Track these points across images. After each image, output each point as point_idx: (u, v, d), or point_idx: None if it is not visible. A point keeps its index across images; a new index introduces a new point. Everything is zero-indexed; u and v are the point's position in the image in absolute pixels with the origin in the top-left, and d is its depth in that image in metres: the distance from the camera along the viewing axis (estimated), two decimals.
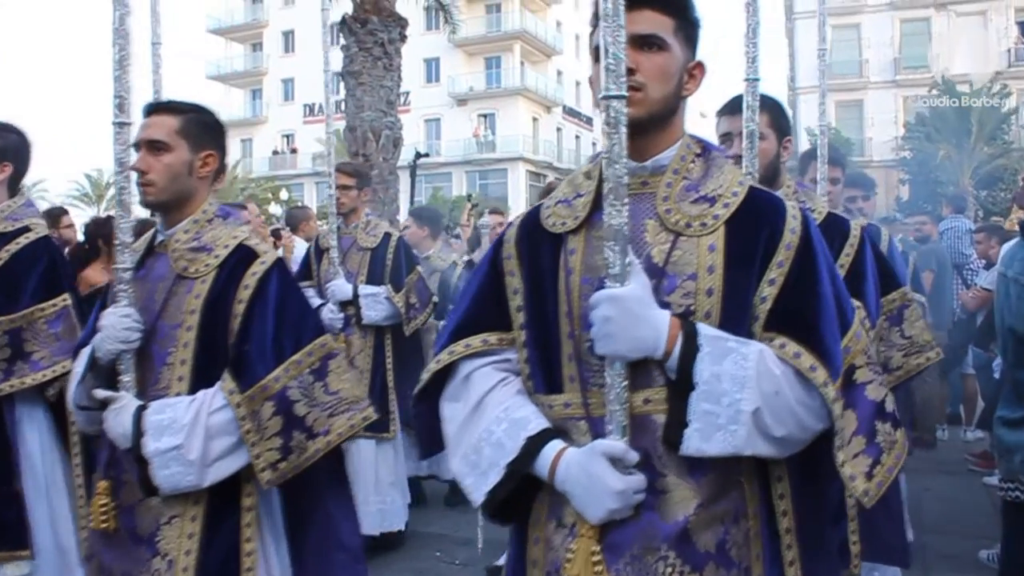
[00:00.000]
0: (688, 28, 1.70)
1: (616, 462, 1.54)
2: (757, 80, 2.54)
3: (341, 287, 4.94)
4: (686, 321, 1.57)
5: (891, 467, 1.64)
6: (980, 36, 35.82)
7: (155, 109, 2.48)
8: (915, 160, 30.90)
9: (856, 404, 1.63)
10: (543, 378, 1.71)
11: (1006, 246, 3.57)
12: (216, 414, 2.24)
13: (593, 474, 1.54)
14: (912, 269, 4.93)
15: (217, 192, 3.72)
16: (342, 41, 13.61)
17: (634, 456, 1.54)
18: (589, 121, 49.22)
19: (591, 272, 1.64)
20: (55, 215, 6.85)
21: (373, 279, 5.05)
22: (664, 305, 1.59)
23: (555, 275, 1.70)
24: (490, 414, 1.70)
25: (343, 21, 13.57)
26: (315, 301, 4.95)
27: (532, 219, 1.81)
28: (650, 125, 1.66)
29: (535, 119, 46.69)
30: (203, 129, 2.48)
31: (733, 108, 2.73)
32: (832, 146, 4.10)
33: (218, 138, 2.53)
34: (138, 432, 2.22)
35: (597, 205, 1.66)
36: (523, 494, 1.68)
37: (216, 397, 2.25)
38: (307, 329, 2.39)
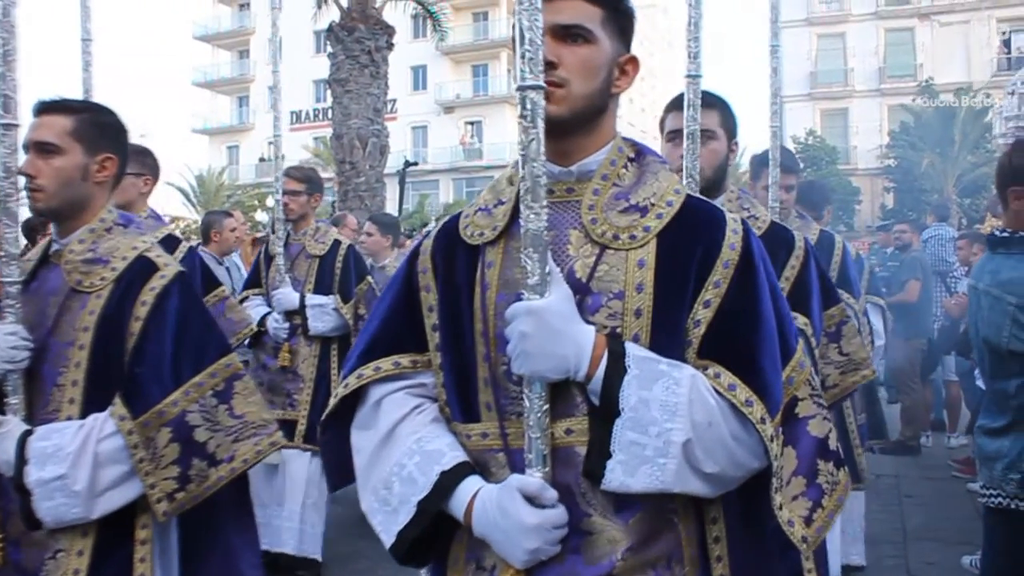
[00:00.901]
0: (619, 19, 1.54)
1: (533, 499, 1.37)
2: (698, 77, 2.41)
3: (287, 296, 4.74)
4: (613, 339, 1.42)
5: (832, 511, 1.51)
6: (963, 46, 36.16)
7: (45, 108, 2.25)
8: (900, 168, 31.14)
9: (797, 440, 1.52)
10: (459, 405, 1.54)
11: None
12: (105, 441, 2.05)
13: (507, 511, 1.38)
14: (868, 277, 4.85)
15: (145, 196, 3.74)
16: (329, 49, 13.62)
17: (551, 494, 1.38)
18: None
19: (508, 288, 1.49)
20: None
21: (321, 288, 4.83)
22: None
23: (471, 291, 1.54)
24: (402, 446, 1.54)
25: (330, 29, 13.59)
26: (262, 309, 4.84)
27: (450, 229, 1.64)
28: (574, 125, 1.50)
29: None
30: (100, 130, 2.27)
31: (681, 103, 2.52)
32: (786, 151, 4.01)
33: (117, 140, 2.32)
34: (21, 460, 2.04)
35: (518, 214, 1.48)
36: (439, 533, 1.53)
37: (107, 423, 2.07)
38: (210, 348, 2.22)
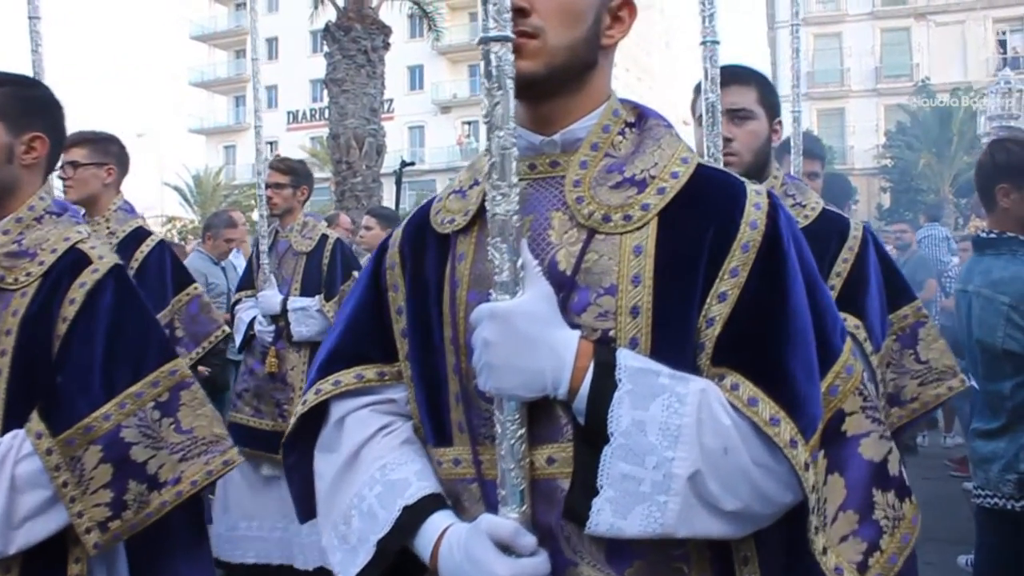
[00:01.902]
0: None
1: (506, 547, 1.13)
2: (716, 43, 2.17)
3: (269, 300, 4.45)
4: (602, 347, 1.16)
5: (894, 554, 1.22)
6: (960, 46, 36.20)
7: None
8: (896, 168, 31.18)
9: (846, 466, 1.22)
10: (431, 425, 1.32)
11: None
12: (23, 463, 1.75)
13: (476, 559, 1.13)
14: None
15: (111, 188, 3.54)
16: (325, 48, 13.62)
17: (528, 541, 1.13)
18: None
19: (481, 285, 1.24)
20: None
21: (309, 286, 4.52)
22: (573, 328, 1.18)
23: (440, 289, 1.30)
24: (363, 473, 1.31)
25: (326, 28, 13.58)
26: (253, 312, 4.58)
27: (421, 216, 1.40)
28: (554, 85, 1.24)
29: None
30: (25, 106, 1.97)
31: (729, 77, 2.25)
32: (810, 136, 3.73)
33: (48, 117, 2.02)
34: None
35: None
36: (406, 572, 1.28)
37: (25, 442, 1.77)
38: (151, 353, 1.92)
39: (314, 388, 1.38)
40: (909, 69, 36.40)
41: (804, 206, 2.37)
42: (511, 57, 1.13)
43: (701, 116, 2.25)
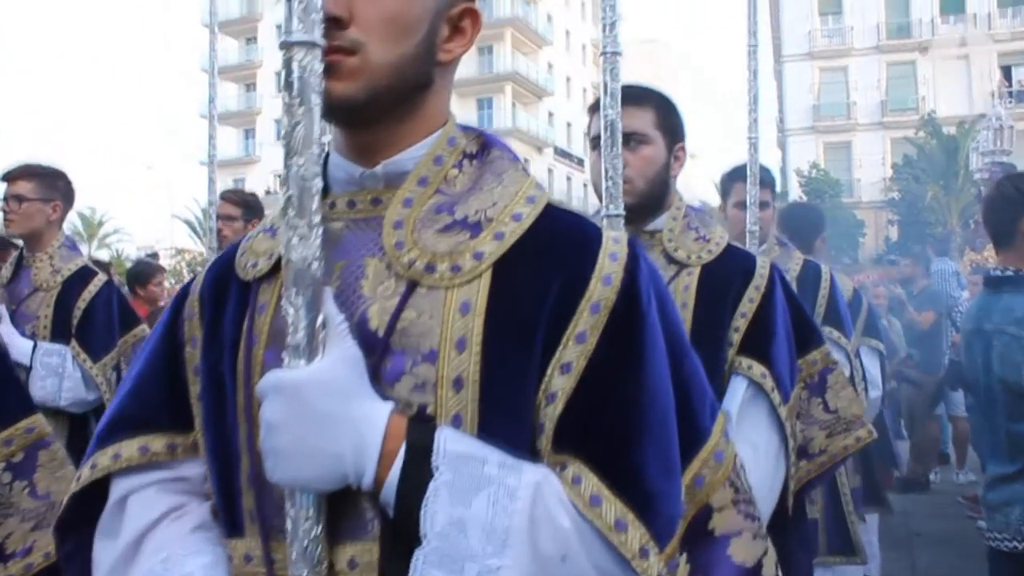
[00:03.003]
0: None
1: None
2: (617, 54, 1.95)
3: None
4: (418, 426, 0.96)
5: None
6: (964, 79, 36.38)
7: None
8: (904, 201, 31.18)
9: (712, 570, 1.05)
10: (223, 510, 1.10)
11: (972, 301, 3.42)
12: None
13: None
14: (865, 316, 4.08)
15: (55, 224, 3.43)
16: None
17: None
18: (580, 162, 49.57)
19: (280, 342, 0.99)
20: None
21: None
22: (384, 401, 0.98)
23: (237, 346, 1.09)
24: (144, 566, 1.09)
25: None
26: None
27: (226, 259, 1.19)
28: (377, 109, 1.05)
29: (526, 160, 46.95)
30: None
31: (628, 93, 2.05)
32: (762, 167, 3.40)
33: None
34: None
35: None
36: None
37: None
38: (5, 407, 1.76)
39: (90, 462, 1.14)
40: (915, 102, 36.56)
41: (708, 240, 2.14)
42: (318, 67, 0.93)
43: (597, 138, 2.04)
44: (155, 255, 13.66)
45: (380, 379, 0.98)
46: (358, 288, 1.04)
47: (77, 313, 3.30)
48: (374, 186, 1.09)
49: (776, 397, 1.98)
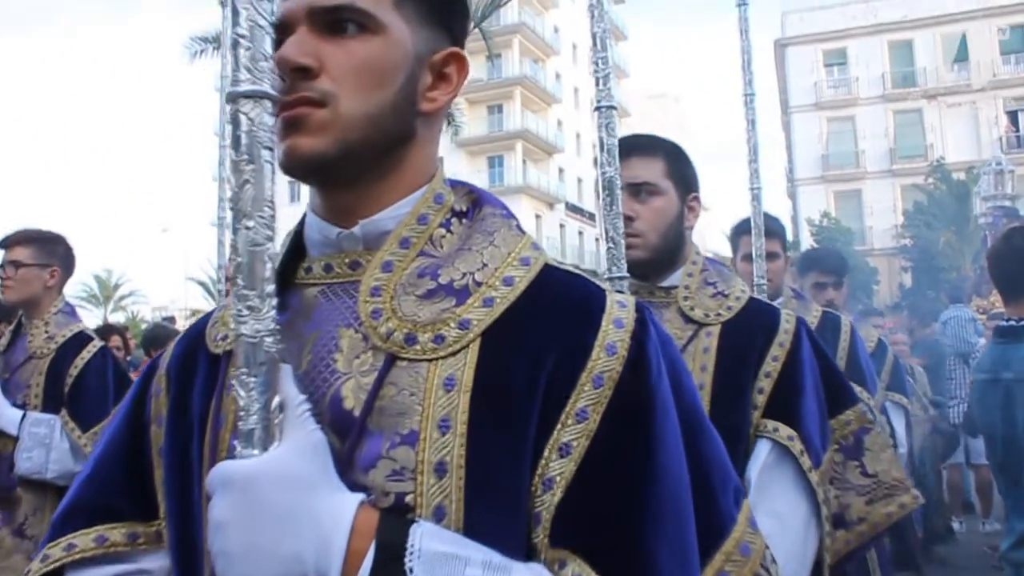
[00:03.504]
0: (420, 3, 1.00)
1: None
2: (612, 108, 1.86)
3: None
4: (390, 520, 0.83)
5: None
6: (971, 125, 36.55)
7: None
8: (916, 247, 31.11)
9: None
10: None
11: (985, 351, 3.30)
12: None
13: None
14: (890, 368, 3.93)
15: (53, 290, 3.37)
16: None
17: None
18: (591, 217, 49.80)
19: None
20: None
21: None
22: (357, 489, 0.85)
23: (204, 426, 0.99)
24: None
25: None
26: None
27: (197, 330, 1.10)
28: (352, 167, 0.96)
29: (538, 216, 47.30)
30: None
31: (622, 149, 1.93)
32: (769, 216, 3.34)
33: None
34: None
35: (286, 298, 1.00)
36: None
37: None
38: None
39: (42, 554, 1.05)
40: (923, 149, 36.68)
41: (727, 296, 2.00)
42: (268, 120, 0.83)
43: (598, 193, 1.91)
44: (171, 318, 13.72)
45: (354, 465, 0.87)
46: (331, 362, 0.93)
47: (69, 380, 3.20)
48: (352, 248, 0.99)
49: (805, 461, 1.82)
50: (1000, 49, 37.02)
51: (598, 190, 1.87)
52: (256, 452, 0.82)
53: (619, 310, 0.95)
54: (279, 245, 1.00)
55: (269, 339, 0.83)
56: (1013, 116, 36.65)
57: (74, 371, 3.21)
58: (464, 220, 1.02)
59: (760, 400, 1.87)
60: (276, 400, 0.84)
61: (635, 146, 1.99)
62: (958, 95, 37.18)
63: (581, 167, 50.22)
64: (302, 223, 1.06)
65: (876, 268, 32.57)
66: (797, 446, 1.82)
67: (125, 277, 46.97)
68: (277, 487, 0.80)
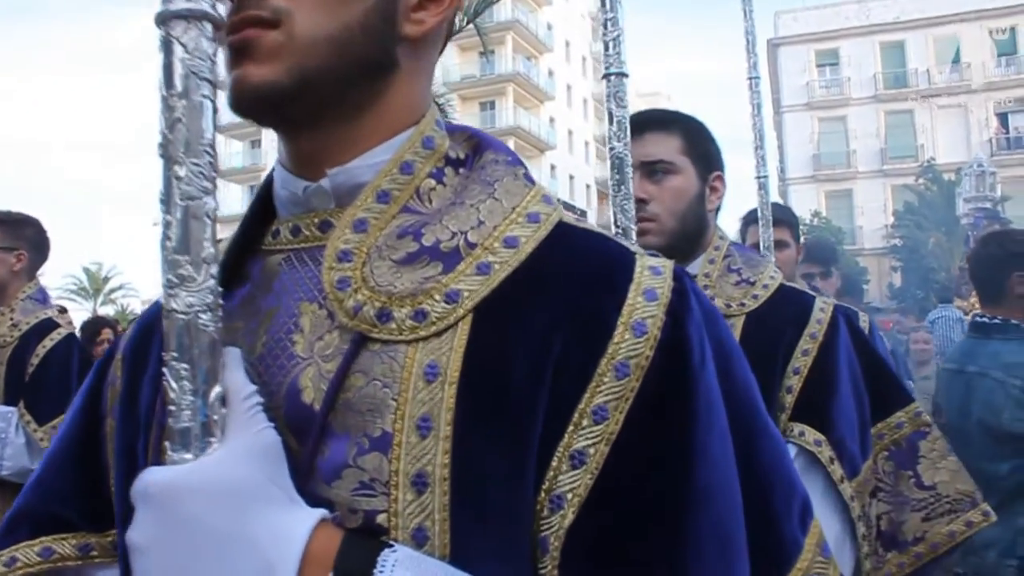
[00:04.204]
0: None
1: None
2: (624, 75, 1.62)
3: None
4: (356, 544, 0.66)
5: None
6: (962, 127, 36.74)
7: None
8: (906, 247, 31.28)
9: None
10: None
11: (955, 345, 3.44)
12: None
13: None
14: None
15: (20, 275, 3.12)
16: None
17: None
18: (583, 214, 49.96)
19: None
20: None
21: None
22: (319, 504, 0.69)
23: (150, 421, 0.83)
24: None
25: None
26: None
27: (156, 308, 0.90)
28: (316, 100, 0.77)
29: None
30: None
31: (634, 126, 1.69)
32: (777, 205, 3.12)
33: None
34: None
35: (238, 271, 0.83)
36: None
37: None
38: None
39: None
40: (914, 150, 36.85)
41: (753, 284, 1.77)
42: (207, 46, 0.66)
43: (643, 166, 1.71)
44: None
45: (314, 474, 0.70)
46: (289, 345, 0.75)
47: (30, 369, 3.02)
48: (323, 206, 0.80)
49: (836, 470, 1.60)
50: (992, 51, 37.22)
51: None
52: (190, 456, 0.65)
53: (651, 278, 0.75)
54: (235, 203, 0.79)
55: (205, 316, 0.66)
56: (1003, 118, 36.85)
57: (35, 360, 3.02)
58: (462, 170, 0.82)
59: (789, 401, 1.66)
60: (215, 392, 0.66)
61: (649, 121, 1.79)
62: (949, 96, 37.38)
63: (573, 164, 50.33)
64: (271, 179, 0.87)
65: (866, 268, 32.73)
66: (826, 453, 1.61)
67: (115, 270, 46.87)
68: (208, 502, 0.63)
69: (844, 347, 1.72)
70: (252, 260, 0.84)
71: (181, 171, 0.66)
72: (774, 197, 3.39)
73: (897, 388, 1.94)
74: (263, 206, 0.87)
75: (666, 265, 0.78)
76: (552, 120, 49.87)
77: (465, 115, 41.14)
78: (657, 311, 0.72)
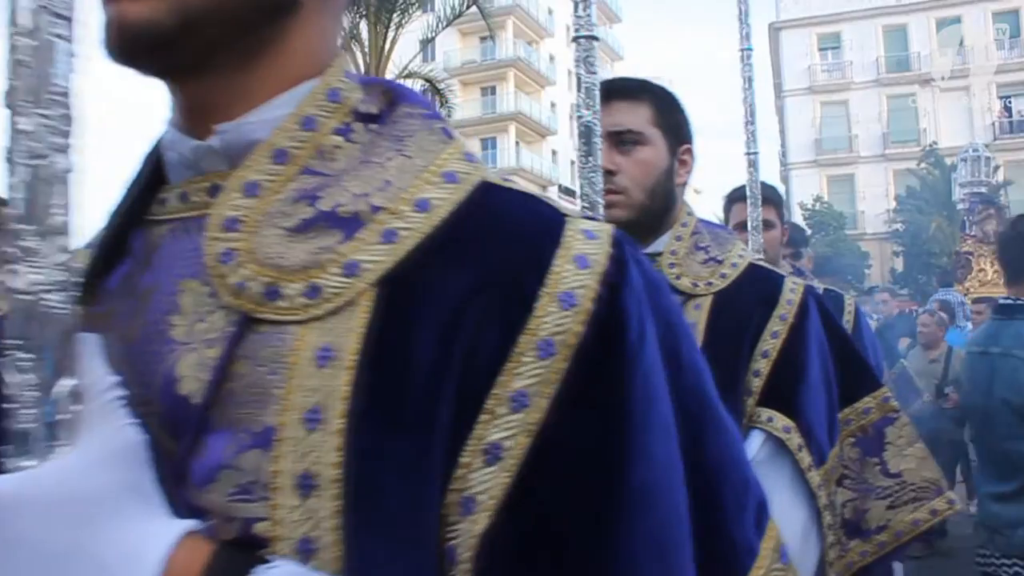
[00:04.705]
0: None
1: None
2: (593, 38, 1.55)
3: None
4: (230, 558, 0.56)
5: None
6: (964, 111, 36.64)
7: None
8: (908, 232, 31.27)
9: None
10: None
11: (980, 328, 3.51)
12: None
13: None
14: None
15: None
16: None
17: None
18: None
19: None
20: None
21: None
22: (193, 513, 0.58)
23: None
24: None
25: None
26: None
27: None
28: (202, 44, 0.64)
29: None
30: None
31: (604, 94, 1.66)
32: (765, 184, 2.97)
33: None
34: None
35: (118, 248, 0.71)
36: None
37: None
38: None
39: None
40: (916, 134, 36.78)
41: (721, 262, 1.69)
42: None
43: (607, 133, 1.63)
44: None
45: (187, 479, 0.59)
46: (167, 328, 0.64)
47: None
48: (214, 168, 0.68)
49: (804, 458, 1.54)
50: (994, 35, 37.07)
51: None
52: (32, 463, 0.54)
53: (584, 242, 0.63)
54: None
55: (54, 296, 0.55)
56: (1006, 102, 36.74)
57: None
58: (372, 126, 0.69)
59: (756, 385, 1.59)
60: (65, 385, 0.56)
61: (618, 89, 1.71)
62: (951, 80, 37.26)
63: (574, 149, 50.30)
64: (160, 139, 0.74)
65: (868, 252, 32.73)
66: (795, 440, 1.54)
67: None
68: (46, 518, 0.52)
69: (815, 329, 1.66)
70: (135, 233, 0.71)
71: (28, 125, 0.55)
72: (776, 182, 3.37)
73: (865, 371, 1.91)
74: (155, 171, 0.73)
75: (603, 228, 0.66)
76: (553, 105, 49.76)
77: (466, 100, 41.06)
78: (590, 280, 0.61)
